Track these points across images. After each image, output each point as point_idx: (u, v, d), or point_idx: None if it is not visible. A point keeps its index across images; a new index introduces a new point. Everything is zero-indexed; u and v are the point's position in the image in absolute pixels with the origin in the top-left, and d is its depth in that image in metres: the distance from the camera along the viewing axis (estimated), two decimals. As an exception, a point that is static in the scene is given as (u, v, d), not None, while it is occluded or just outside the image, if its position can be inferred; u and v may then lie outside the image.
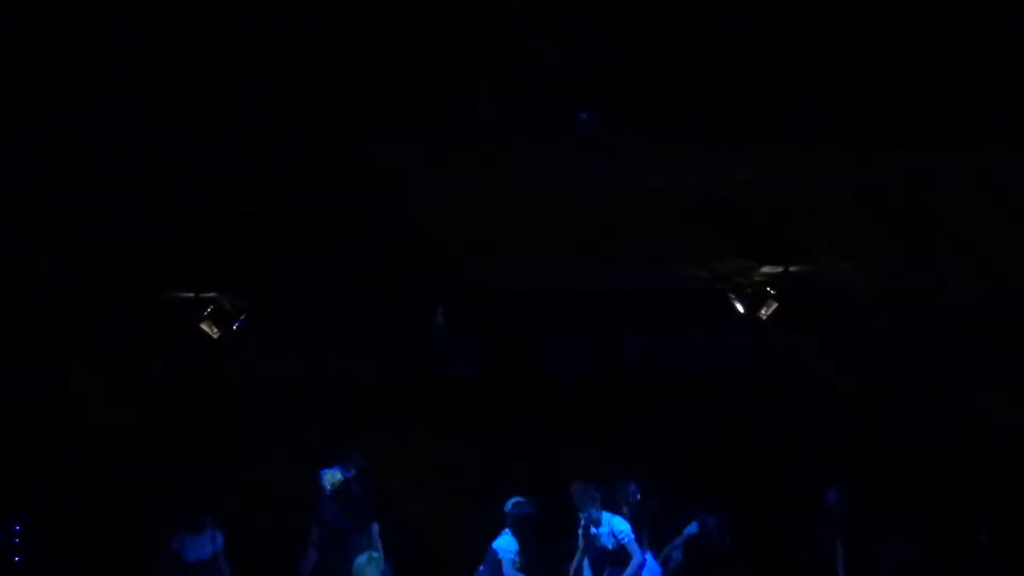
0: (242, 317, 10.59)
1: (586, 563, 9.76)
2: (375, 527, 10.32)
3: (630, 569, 9.74)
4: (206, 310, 10.44)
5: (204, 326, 10.52)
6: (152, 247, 8.36)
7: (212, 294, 10.34)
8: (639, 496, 10.47)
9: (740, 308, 10.69)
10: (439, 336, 11.32)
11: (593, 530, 9.78)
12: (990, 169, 7.13)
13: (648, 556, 10.26)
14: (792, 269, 10.03)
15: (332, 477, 10.25)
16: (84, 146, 6.90)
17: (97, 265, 8.73)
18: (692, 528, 10.58)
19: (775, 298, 10.50)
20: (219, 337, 10.55)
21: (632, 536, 9.89)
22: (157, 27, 5.75)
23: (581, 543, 9.79)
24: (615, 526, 9.86)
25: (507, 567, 9.54)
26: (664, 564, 10.33)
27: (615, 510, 9.95)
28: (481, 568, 9.76)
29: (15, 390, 10.60)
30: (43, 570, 10.76)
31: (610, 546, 9.85)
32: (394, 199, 6.93)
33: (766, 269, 10.22)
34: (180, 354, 11.18)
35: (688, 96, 6.27)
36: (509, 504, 9.75)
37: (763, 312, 10.71)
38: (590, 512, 9.72)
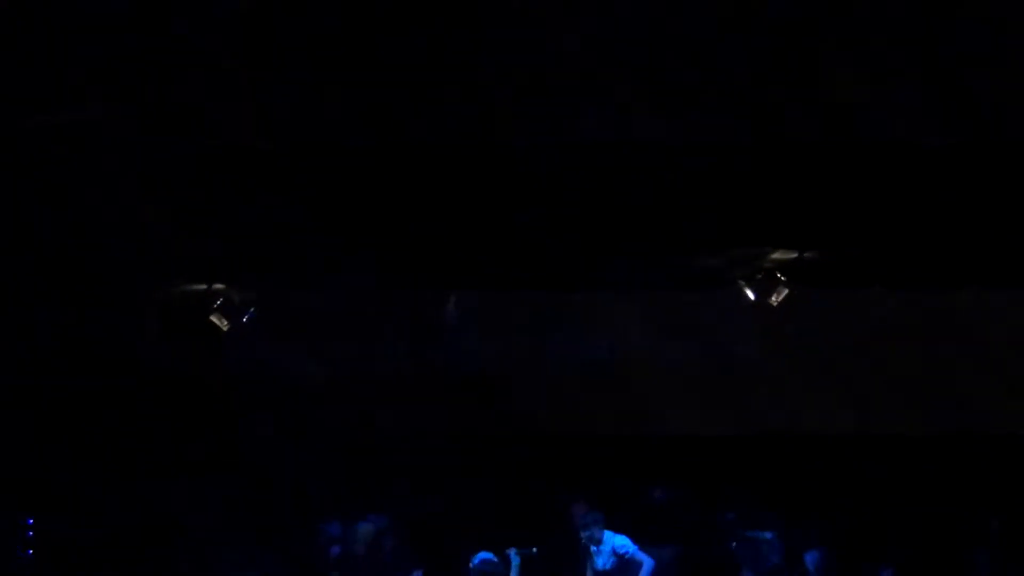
0: (251, 310, 10.62)
1: None
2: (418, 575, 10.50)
3: (644, 572, 9.96)
4: (215, 302, 10.45)
5: (214, 318, 10.55)
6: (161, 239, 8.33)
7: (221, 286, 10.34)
8: None
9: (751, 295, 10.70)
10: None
11: (592, 549, 10.03)
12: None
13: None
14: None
15: (365, 532, 10.32)
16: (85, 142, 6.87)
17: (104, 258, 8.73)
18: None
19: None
20: (228, 330, 10.62)
21: (635, 547, 10.04)
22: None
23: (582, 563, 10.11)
24: (616, 543, 10.09)
25: None
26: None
27: None
28: None
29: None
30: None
31: (610, 565, 10.03)
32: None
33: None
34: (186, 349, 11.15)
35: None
36: (476, 559, 9.86)
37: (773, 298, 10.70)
38: (592, 532, 10.02)
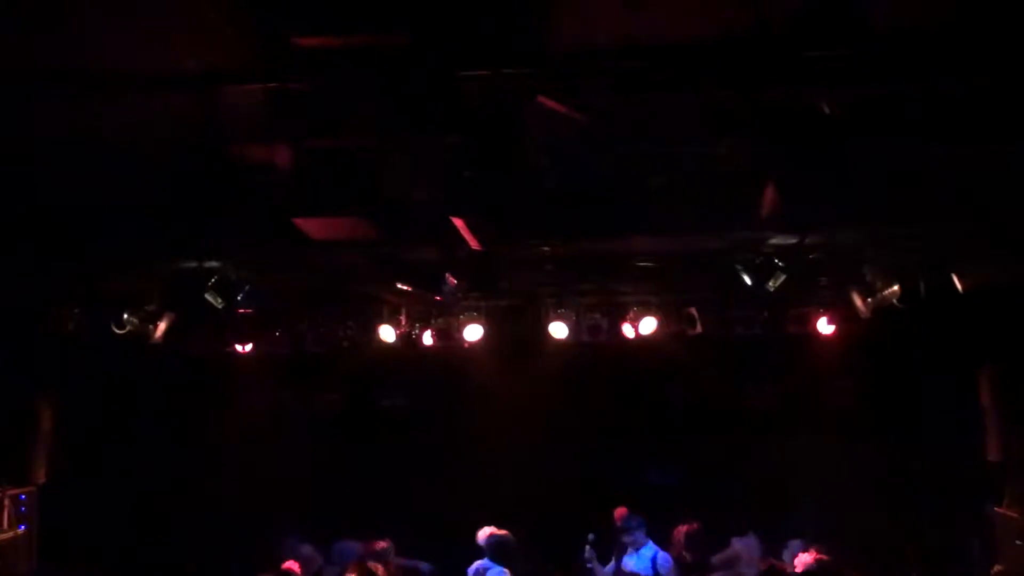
0: (247, 288, 10.55)
1: None
2: None
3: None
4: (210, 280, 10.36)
5: (208, 296, 10.45)
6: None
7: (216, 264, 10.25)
8: None
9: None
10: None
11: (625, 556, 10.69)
12: None
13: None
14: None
15: None
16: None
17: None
18: None
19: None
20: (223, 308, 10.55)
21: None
22: None
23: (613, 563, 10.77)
24: (659, 558, 10.79)
25: None
26: None
27: None
28: None
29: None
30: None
31: (640, 570, 10.61)
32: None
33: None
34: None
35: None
36: (482, 536, 10.06)
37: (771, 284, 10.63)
38: (635, 536, 10.73)
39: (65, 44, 5.73)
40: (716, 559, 11.96)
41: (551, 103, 5.48)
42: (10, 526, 10.45)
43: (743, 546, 12.48)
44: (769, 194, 5.41)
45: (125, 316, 10.61)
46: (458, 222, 5.16)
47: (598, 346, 12.25)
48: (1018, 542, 9.15)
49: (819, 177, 6.95)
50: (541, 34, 5.50)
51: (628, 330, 12.11)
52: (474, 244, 5.46)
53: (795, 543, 12.19)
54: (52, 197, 8.18)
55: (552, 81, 5.51)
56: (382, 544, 10.87)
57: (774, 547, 12.45)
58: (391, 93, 5.56)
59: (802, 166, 6.79)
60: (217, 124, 5.82)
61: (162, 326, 10.86)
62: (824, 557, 11.31)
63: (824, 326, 11.82)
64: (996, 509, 9.58)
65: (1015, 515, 9.18)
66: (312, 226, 5.57)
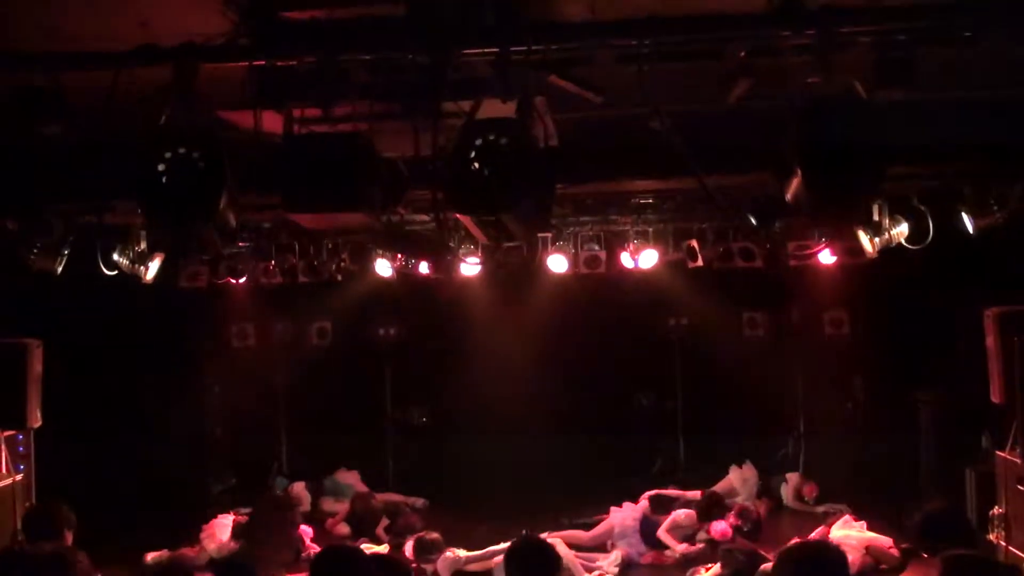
0: (244, 233, 10.36)
1: None
2: None
3: None
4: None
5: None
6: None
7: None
8: None
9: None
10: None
11: None
12: None
13: None
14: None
15: None
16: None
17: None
18: None
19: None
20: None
21: None
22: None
23: None
24: None
25: None
26: None
27: None
28: None
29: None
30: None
31: None
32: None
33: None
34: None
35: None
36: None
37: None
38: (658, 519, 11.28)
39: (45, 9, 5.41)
40: (715, 489, 12.05)
41: (563, 83, 5.16)
42: (8, 470, 10.37)
43: (739, 475, 12.54)
44: (795, 182, 5.11)
45: (116, 257, 10.34)
46: (464, 219, 4.89)
47: (596, 277, 12.05)
48: (1020, 486, 9.09)
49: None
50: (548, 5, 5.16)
51: (627, 260, 11.92)
52: (483, 239, 5.20)
53: (793, 476, 12.25)
54: (35, 140, 7.87)
55: (564, 55, 5.18)
56: None
57: (771, 477, 12.53)
58: (386, 70, 5.25)
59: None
60: (200, 97, 5.47)
61: (153, 266, 10.61)
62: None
63: (826, 258, 11.64)
64: (999, 453, 9.51)
65: (1018, 460, 9.11)
66: (306, 218, 5.31)
